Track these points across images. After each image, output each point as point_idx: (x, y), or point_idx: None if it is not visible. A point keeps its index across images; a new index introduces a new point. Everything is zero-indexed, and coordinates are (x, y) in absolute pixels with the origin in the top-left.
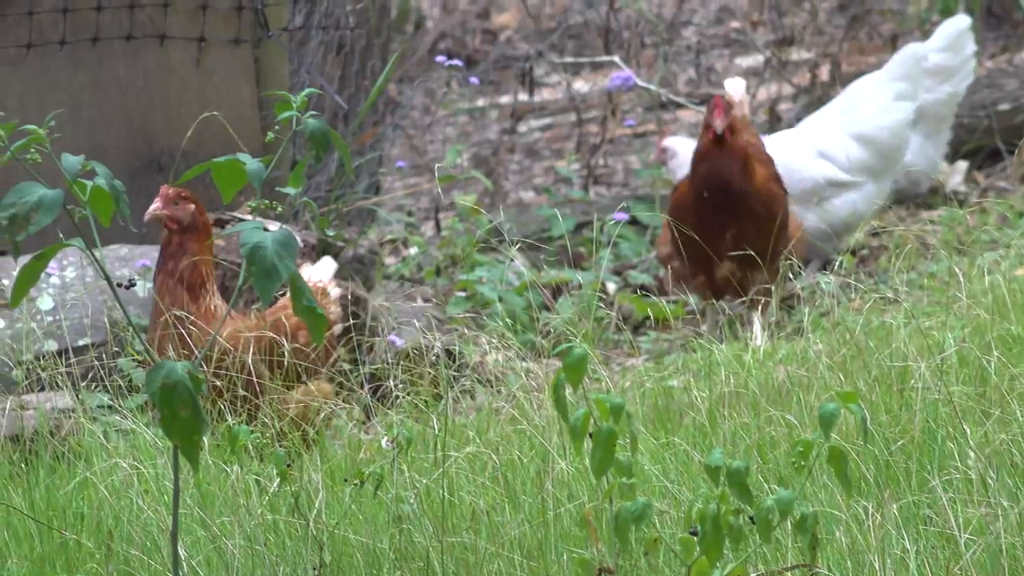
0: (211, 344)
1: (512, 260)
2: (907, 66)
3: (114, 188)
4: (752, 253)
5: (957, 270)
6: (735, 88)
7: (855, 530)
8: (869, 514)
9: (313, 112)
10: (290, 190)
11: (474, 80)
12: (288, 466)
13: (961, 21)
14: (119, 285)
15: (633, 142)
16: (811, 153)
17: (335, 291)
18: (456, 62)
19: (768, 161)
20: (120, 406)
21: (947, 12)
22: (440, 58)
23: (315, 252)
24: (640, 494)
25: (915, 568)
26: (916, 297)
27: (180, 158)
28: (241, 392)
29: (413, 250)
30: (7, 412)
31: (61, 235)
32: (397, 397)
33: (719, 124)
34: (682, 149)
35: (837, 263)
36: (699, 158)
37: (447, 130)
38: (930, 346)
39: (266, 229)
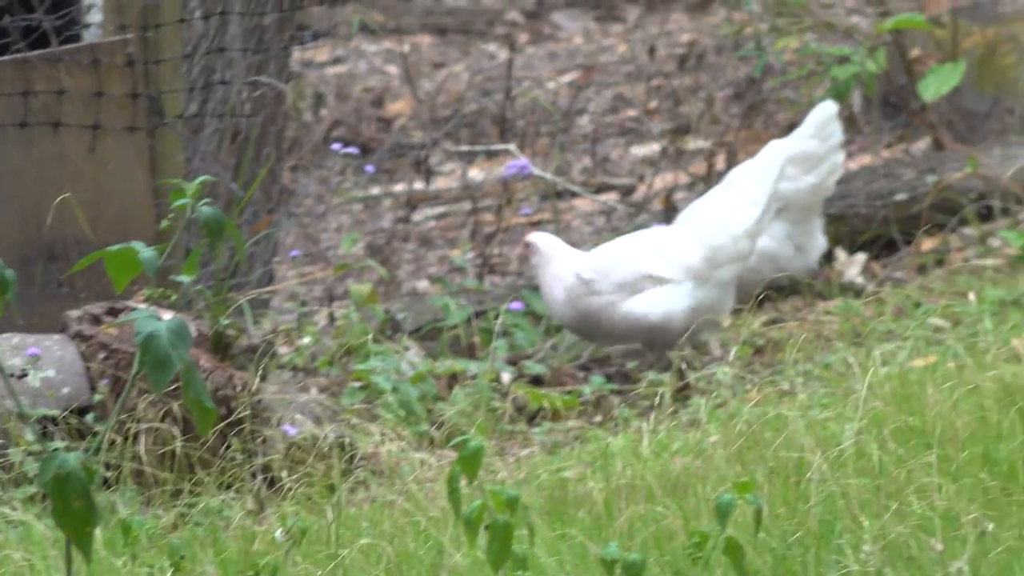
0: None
1: (407, 350)
2: (765, 167)
3: (3, 277)
4: None
5: (853, 361)
6: None
7: None
8: None
9: (208, 200)
10: (184, 279)
11: (369, 168)
12: (181, 558)
13: (828, 107)
14: (11, 375)
15: (528, 231)
16: (645, 248)
17: None
18: (351, 150)
19: None
20: (8, 497)
21: (841, 99)
22: (335, 146)
23: (209, 342)
24: None
25: None
26: (812, 388)
27: (73, 246)
28: None
29: (307, 340)
30: None
31: None
32: (290, 488)
33: None
34: (546, 245)
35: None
36: None
37: (341, 218)
38: (827, 438)
39: (160, 318)
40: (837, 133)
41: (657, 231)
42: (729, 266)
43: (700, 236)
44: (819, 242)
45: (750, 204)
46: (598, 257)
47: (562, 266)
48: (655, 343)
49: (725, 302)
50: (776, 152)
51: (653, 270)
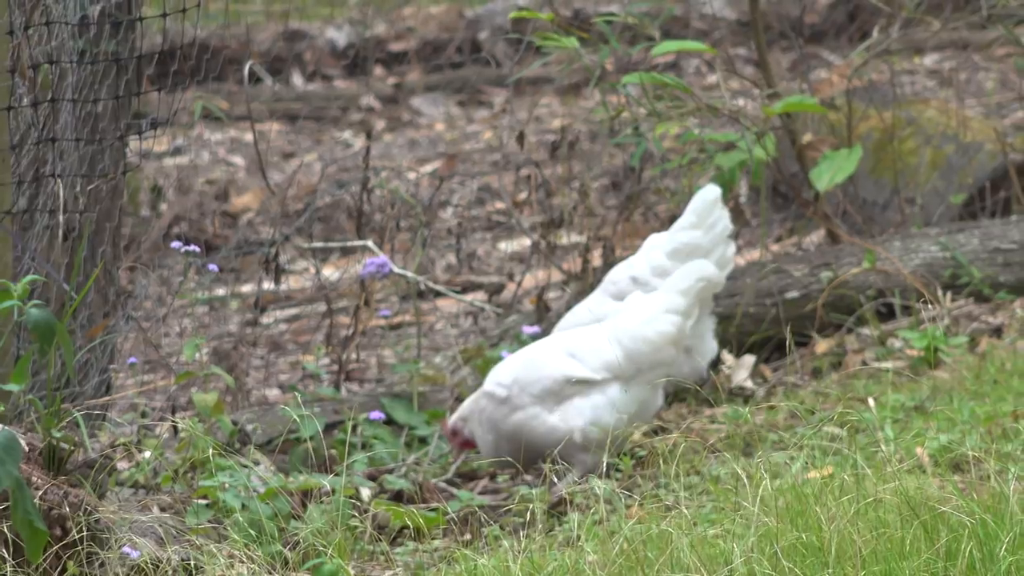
0: None
1: (256, 464)
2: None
3: None
4: None
5: (743, 473)
6: None
7: None
8: None
9: (37, 302)
10: (13, 387)
11: (213, 267)
12: None
13: (710, 192)
14: None
15: (388, 334)
16: (560, 352)
17: None
18: (193, 248)
19: None
20: None
21: (726, 188)
22: (176, 243)
23: (42, 456)
24: None
25: None
26: (699, 503)
27: None
28: None
29: (148, 454)
30: None
31: None
32: None
33: None
34: None
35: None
36: None
37: (184, 322)
38: (714, 557)
39: None
40: (723, 221)
41: (569, 333)
42: (653, 370)
43: (619, 338)
44: (710, 346)
45: (671, 313)
46: (508, 369)
47: None
48: (581, 454)
49: (655, 402)
50: (696, 269)
51: (575, 372)
